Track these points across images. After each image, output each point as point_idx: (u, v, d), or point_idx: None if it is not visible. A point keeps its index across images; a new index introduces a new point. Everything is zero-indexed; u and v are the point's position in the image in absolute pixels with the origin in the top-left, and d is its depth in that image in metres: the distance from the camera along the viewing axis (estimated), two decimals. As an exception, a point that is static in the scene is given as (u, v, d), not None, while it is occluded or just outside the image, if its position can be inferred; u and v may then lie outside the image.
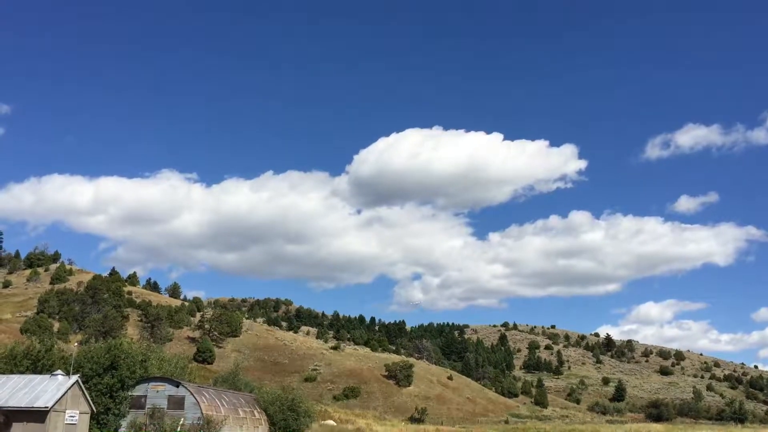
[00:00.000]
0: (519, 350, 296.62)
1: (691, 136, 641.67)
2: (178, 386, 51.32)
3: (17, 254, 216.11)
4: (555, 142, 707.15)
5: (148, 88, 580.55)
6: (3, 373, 45.73)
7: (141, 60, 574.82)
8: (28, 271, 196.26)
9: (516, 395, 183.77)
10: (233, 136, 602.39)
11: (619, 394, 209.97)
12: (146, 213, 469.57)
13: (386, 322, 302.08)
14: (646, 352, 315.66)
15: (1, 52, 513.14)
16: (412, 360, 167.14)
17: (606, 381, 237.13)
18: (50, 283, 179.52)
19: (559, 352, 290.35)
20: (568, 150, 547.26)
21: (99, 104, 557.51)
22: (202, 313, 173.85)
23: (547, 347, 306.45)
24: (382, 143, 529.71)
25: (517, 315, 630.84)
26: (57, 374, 41.26)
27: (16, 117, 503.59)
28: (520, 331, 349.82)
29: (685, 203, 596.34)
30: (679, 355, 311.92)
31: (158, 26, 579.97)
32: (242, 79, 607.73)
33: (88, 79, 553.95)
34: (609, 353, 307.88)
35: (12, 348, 55.96)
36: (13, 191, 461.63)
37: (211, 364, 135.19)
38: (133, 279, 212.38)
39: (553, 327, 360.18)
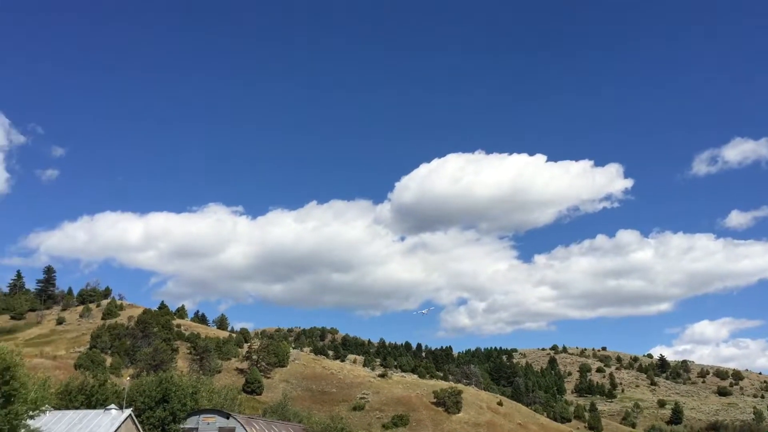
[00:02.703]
0: (569, 374, 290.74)
1: (739, 151, 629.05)
2: (228, 417, 51.72)
3: (70, 291, 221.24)
4: (599, 162, 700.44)
5: (193, 124, 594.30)
6: (59, 409, 46.72)
7: (184, 97, 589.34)
8: (80, 308, 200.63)
9: (569, 420, 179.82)
10: (276, 168, 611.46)
11: (677, 417, 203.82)
12: (194, 247, 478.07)
13: (433, 348, 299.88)
14: (703, 373, 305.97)
15: (58, 100, 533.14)
16: (460, 386, 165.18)
17: (662, 404, 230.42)
18: (102, 319, 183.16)
19: (611, 374, 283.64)
20: (613, 169, 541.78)
21: (146, 143, 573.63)
22: (249, 344, 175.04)
23: (599, 370, 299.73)
24: (423, 169, 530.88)
25: (567, 337, 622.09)
26: (111, 409, 42.01)
27: (69, 159, 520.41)
28: (569, 354, 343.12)
29: (737, 218, 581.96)
30: (737, 375, 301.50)
31: (199, 61, 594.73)
32: (283, 111, 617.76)
33: (136, 120, 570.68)
34: (664, 375, 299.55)
35: (67, 384, 57.21)
36: (67, 230, 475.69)
37: (260, 394, 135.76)
38: (181, 312, 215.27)
39: (604, 349, 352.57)
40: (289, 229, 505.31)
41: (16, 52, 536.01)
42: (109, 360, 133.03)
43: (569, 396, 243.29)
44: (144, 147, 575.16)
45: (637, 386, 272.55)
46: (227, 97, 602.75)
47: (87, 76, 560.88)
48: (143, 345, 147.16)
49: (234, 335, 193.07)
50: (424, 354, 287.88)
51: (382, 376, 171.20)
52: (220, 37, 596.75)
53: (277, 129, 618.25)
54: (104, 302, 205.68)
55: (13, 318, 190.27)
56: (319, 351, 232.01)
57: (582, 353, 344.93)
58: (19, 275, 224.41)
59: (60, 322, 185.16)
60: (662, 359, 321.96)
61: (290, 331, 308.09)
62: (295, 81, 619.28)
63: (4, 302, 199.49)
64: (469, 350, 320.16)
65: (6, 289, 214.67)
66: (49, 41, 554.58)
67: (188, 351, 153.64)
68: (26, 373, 48.97)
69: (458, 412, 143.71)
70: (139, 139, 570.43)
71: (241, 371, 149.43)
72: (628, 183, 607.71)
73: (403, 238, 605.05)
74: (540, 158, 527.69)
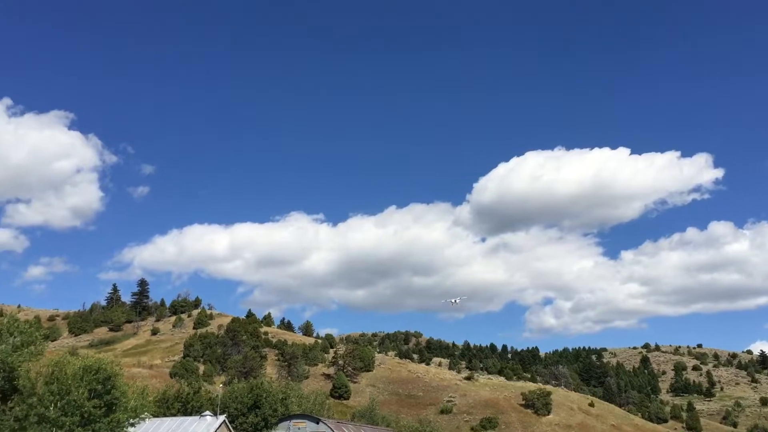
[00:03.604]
0: (664, 372, 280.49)
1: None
2: (318, 422, 52.33)
3: (162, 302, 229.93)
4: (687, 153, 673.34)
5: (271, 137, 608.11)
6: (157, 416, 48.46)
7: (261, 111, 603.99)
8: (173, 318, 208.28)
9: (665, 420, 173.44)
10: (355, 174, 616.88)
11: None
12: (278, 255, 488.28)
13: (519, 350, 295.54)
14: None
15: (146, 120, 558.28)
16: (549, 387, 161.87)
17: (765, 402, 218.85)
18: (193, 328, 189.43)
19: (708, 372, 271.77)
20: (702, 159, 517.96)
21: (228, 158, 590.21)
22: (335, 349, 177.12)
23: (695, 368, 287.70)
24: (502, 169, 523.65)
25: (659, 335, 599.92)
26: (206, 415, 43.23)
27: (158, 176, 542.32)
28: (663, 352, 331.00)
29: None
30: None
31: (276, 75, 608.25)
32: (358, 118, 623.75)
33: (217, 136, 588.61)
34: (766, 371, 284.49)
35: (164, 392, 59.30)
36: (158, 244, 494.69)
37: (347, 399, 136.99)
38: (268, 320, 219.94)
39: (699, 346, 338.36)
40: (369, 234, 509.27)
41: (106, 78, 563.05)
42: (201, 368, 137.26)
43: (664, 395, 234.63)
44: (226, 161, 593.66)
45: (737, 384, 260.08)
46: (302, 108, 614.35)
47: (169, 96, 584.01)
48: (233, 353, 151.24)
49: (319, 341, 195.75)
50: (509, 355, 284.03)
51: (469, 378, 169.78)
52: (294, 51, 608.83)
53: (353, 136, 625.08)
54: (195, 312, 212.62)
55: (111, 330, 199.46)
56: (403, 355, 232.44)
57: (676, 351, 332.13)
58: (115, 289, 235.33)
59: (154, 332, 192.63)
60: (763, 355, 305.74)
61: (374, 335, 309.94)
62: (366, 87, 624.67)
63: (102, 315, 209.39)
64: (557, 351, 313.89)
65: (104, 303, 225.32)
66: (134, 66, 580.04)
67: (276, 358, 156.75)
68: (126, 382, 51.08)
69: (548, 414, 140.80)
70: (222, 154, 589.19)
71: (327, 376, 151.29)
72: (719, 173, 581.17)
73: (483, 239, 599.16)
74: (623, 152, 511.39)
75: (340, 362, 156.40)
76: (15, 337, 49.93)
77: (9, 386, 48.52)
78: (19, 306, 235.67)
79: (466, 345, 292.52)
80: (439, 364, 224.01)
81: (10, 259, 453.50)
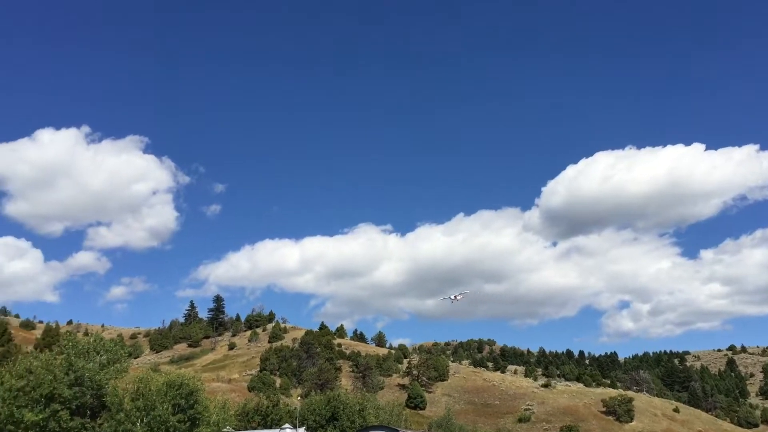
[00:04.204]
0: (752, 375, 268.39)
1: None
2: (396, 434, 52.07)
3: (238, 318, 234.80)
4: (766, 145, 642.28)
5: (336, 152, 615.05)
6: (238, 430, 49.33)
7: (323, 128, 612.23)
8: (248, 333, 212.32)
9: (755, 425, 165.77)
10: (421, 184, 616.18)
11: None
12: (348, 267, 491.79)
13: (596, 355, 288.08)
14: None
15: (216, 142, 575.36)
16: (630, 393, 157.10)
17: None
18: (268, 342, 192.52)
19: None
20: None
21: (296, 173, 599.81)
22: (408, 359, 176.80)
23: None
24: (571, 171, 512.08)
25: (745, 336, 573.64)
26: (285, 428, 43.71)
27: (229, 194, 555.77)
28: (750, 353, 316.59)
29: None
30: None
31: (331, 95, 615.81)
32: (423, 128, 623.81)
33: (282, 153, 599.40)
34: None
35: (244, 405, 60.36)
36: (232, 260, 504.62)
37: (423, 409, 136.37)
38: (341, 331, 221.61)
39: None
40: (438, 243, 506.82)
41: (176, 103, 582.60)
42: (278, 381, 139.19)
43: (753, 399, 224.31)
44: (294, 177, 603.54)
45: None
46: (365, 122, 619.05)
47: (236, 116, 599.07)
48: (308, 365, 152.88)
49: (393, 351, 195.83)
50: (587, 361, 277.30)
51: (546, 386, 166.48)
52: (353, 69, 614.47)
53: (418, 146, 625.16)
54: (269, 326, 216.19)
55: (190, 346, 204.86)
56: (478, 363, 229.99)
57: (764, 352, 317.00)
58: (192, 306, 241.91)
59: (231, 347, 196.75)
60: None
61: (447, 344, 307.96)
62: (428, 96, 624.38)
63: (181, 331, 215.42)
64: (636, 355, 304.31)
65: (182, 319, 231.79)
66: (202, 91, 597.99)
67: (350, 369, 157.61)
68: (207, 396, 52.28)
69: (631, 421, 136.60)
70: (290, 171, 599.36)
71: (402, 387, 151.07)
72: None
73: (555, 244, 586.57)
74: (698, 147, 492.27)
75: (415, 372, 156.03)
76: (101, 356, 51.93)
77: (98, 403, 50.37)
78: (102, 325, 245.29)
79: (542, 351, 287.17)
80: (515, 372, 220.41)
81: (93, 281, 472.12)
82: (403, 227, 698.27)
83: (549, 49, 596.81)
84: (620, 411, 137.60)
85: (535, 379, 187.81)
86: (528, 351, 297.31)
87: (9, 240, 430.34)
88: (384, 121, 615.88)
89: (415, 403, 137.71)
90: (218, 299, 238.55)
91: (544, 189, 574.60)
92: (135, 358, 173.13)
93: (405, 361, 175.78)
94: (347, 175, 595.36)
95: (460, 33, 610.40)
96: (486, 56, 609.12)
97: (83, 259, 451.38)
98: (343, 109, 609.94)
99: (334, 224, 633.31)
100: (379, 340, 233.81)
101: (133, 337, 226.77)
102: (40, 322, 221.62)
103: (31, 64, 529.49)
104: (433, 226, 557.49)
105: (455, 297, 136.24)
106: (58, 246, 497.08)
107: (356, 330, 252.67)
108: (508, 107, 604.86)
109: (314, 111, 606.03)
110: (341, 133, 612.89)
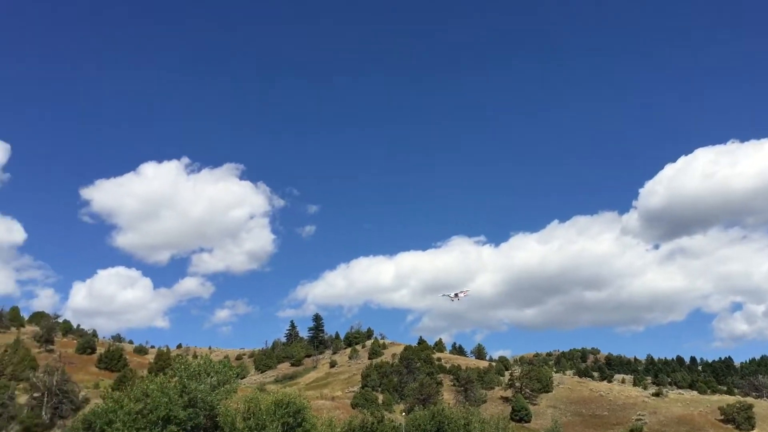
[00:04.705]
0: None
1: None
2: (504, 448, 51.25)
3: (337, 335, 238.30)
4: None
5: (424, 166, 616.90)
6: (346, 446, 49.95)
7: (413, 144, 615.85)
8: (348, 350, 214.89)
9: None
10: (513, 193, 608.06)
11: None
12: (444, 281, 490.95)
13: (709, 361, 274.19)
14: None
15: (308, 165, 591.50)
16: (749, 399, 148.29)
17: None
18: (368, 358, 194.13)
19: None
20: None
21: (388, 190, 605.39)
22: (510, 371, 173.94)
23: None
24: (669, 170, 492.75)
25: None
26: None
27: (323, 214, 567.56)
28: None
29: None
30: None
31: (418, 110, 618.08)
32: (515, 136, 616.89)
33: (376, 170, 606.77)
34: None
35: (350, 422, 61.05)
36: (328, 279, 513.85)
37: (528, 422, 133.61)
38: (439, 345, 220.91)
39: None
40: (533, 251, 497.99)
41: (269, 131, 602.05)
42: (380, 397, 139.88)
43: None
44: (385, 193, 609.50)
45: None
46: (454, 134, 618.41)
47: (326, 139, 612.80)
48: (409, 380, 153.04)
49: (494, 364, 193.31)
50: (700, 368, 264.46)
51: (657, 394, 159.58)
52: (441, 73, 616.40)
53: (507, 156, 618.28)
54: (368, 342, 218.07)
55: (292, 365, 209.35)
56: (582, 373, 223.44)
57: None
58: (293, 325, 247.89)
59: (333, 365, 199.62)
60: None
61: (549, 355, 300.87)
62: (517, 99, 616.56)
63: (284, 351, 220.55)
64: (754, 359, 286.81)
65: (284, 339, 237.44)
66: (292, 117, 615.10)
67: (451, 383, 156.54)
68: (313, 414, 53.19)
69: (752, 429, 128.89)
70: (381, 188, 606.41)
71: (505, 399, 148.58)
72: None
73: (657, 246, 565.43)
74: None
75: (517, 384, 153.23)
76: (211, 377, 53.81)
77: (210, 423, 52.18)
78: (210, 348, 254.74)
79: (650, 359, 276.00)
80: (622, 381, 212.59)
81: (199, 305, 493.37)
82: (497, 238, 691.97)
83: (638, 46, 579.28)
84: (740, 419, 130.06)
85: (645, 388, 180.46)
86: (635, 359, 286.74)
87: (121, 270, 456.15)
88: (472, 129, 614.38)
89: (520, 416, 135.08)
90: (317, 318, 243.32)
91: (641, 190, 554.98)
92: (242, 378, 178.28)
93: (506, 373, 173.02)
94: (438, 189, 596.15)
95: (542, 36, 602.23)
96: (573, 57, 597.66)
97: (189, 284, 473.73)
98: (429, 122, 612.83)
99: (427, 238, 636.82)
100: (479, 353, 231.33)
101: (239, 358, 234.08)
102: (152, 346, 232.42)
103: (135, 101, 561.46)
104: (528, 235, 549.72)
105: (455, 295, 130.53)
106: (165, 273, 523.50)
107: (455, 343, 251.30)
108: (599, 109, 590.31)
109: (400, 124, 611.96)
110: (429, 146, 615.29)
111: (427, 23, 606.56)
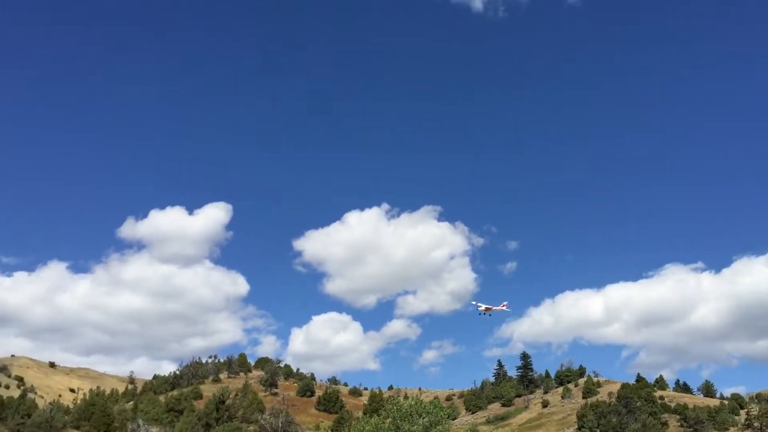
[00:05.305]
0: None
1: None
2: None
3: (547, 374, 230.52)
4: None
5: (630, 185, 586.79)
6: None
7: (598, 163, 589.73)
8: (560, 389, 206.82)
9: None
10: (737, 213, 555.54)
11: None
12: (660, 313, 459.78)
13: None
14: None
15: (504, 203, 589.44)
16: None
17: None
18: (582, 398, 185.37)
19: None
20: None
21: (588, 217, 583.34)
22: (746, 410, 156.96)
23: None
24: None
25: None
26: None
27: (523, 249, 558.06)
28: None
29: None
30: None
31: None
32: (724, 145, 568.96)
33: (572, 196, 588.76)
34: None
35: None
36: (534, 316, 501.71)
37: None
38: (661, 382, 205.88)
39: None
40: (762, 276, 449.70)
41: (461, 173, 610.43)
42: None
43: None
44: (588, 222, 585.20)
45: None
46: (619, 155, 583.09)
47: (521, 172, 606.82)
48: (629, 420, 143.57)
49: (725, 402, 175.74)
50: None
51: None
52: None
53: (719, 167, 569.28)
54: (581, 381, 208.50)
55: (503, 405, 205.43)
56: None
57: None
58: (500, 364, 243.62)
59: (545, 404, 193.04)
60: None
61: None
62: (712, 109, 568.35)
63: (493, 391, 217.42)
64: None
65: (492, 378, 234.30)
66: (487, 160, 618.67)
67: (678, 423, 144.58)
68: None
69: None
70: (581, 216, 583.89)
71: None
72: None
73: None
74: None
75: (756, 424, 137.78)
76: (424, 418, 54.25)
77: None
78: (420, 389, 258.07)
79: None
80: None
81: (407, 347, 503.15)
82: (717, 263, 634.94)
83: None
84: None
85: None
86: None
87: (333, 315, 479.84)
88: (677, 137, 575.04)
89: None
90: (525, 356, 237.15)
91: None
92: (453, 419, 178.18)
93: (742, 412, 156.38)
94: (645, 213, 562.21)
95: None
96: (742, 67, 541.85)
97: (396, 327, 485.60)
98: (633, 137, 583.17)
99: (636, 268, 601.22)
100: (707, 390, 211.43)
101: (448, 398, 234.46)
102: (365, 388, 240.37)
103: (335, 158, 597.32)
104: (753, 259, 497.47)
105: (486, 308, 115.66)
106: (373, 317, 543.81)
107: (678, 380, 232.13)
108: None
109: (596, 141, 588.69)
110: (630, 162, 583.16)
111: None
